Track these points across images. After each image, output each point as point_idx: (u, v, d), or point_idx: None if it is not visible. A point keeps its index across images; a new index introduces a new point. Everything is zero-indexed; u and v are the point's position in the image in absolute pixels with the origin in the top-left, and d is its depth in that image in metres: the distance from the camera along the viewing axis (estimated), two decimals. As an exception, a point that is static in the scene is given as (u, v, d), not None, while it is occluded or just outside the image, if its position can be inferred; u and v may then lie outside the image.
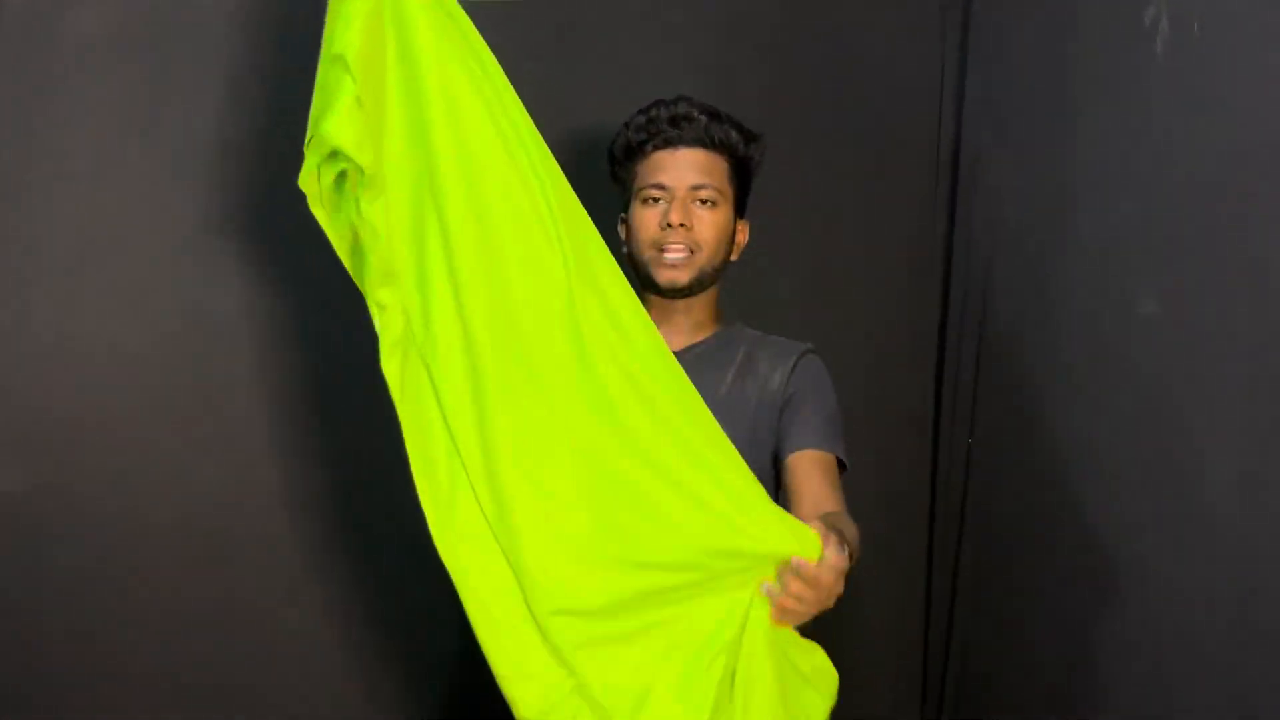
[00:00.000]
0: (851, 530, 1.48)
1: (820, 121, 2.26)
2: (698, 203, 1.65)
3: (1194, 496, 1.66)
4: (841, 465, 1.65)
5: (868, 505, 2.28)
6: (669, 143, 1.65)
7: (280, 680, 1.98)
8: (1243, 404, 1.59)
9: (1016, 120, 2.16)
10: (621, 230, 1.73)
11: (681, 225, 1.62)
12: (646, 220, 1.65)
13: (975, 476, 2.22)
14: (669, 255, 1.64)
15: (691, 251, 1.64)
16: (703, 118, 1.64)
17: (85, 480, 1.87)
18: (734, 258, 1.72)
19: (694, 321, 1.71)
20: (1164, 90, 1.77)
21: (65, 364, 1.86)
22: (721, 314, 1.76)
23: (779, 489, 1.65)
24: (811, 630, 2.23)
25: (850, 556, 1.36)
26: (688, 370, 1.60)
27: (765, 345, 1.70)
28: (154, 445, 1.90)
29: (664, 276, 1.64)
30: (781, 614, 1.31)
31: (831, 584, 1.29)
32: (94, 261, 1.88)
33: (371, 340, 1.99)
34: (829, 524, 1.36)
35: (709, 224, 1.64)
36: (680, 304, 1.69)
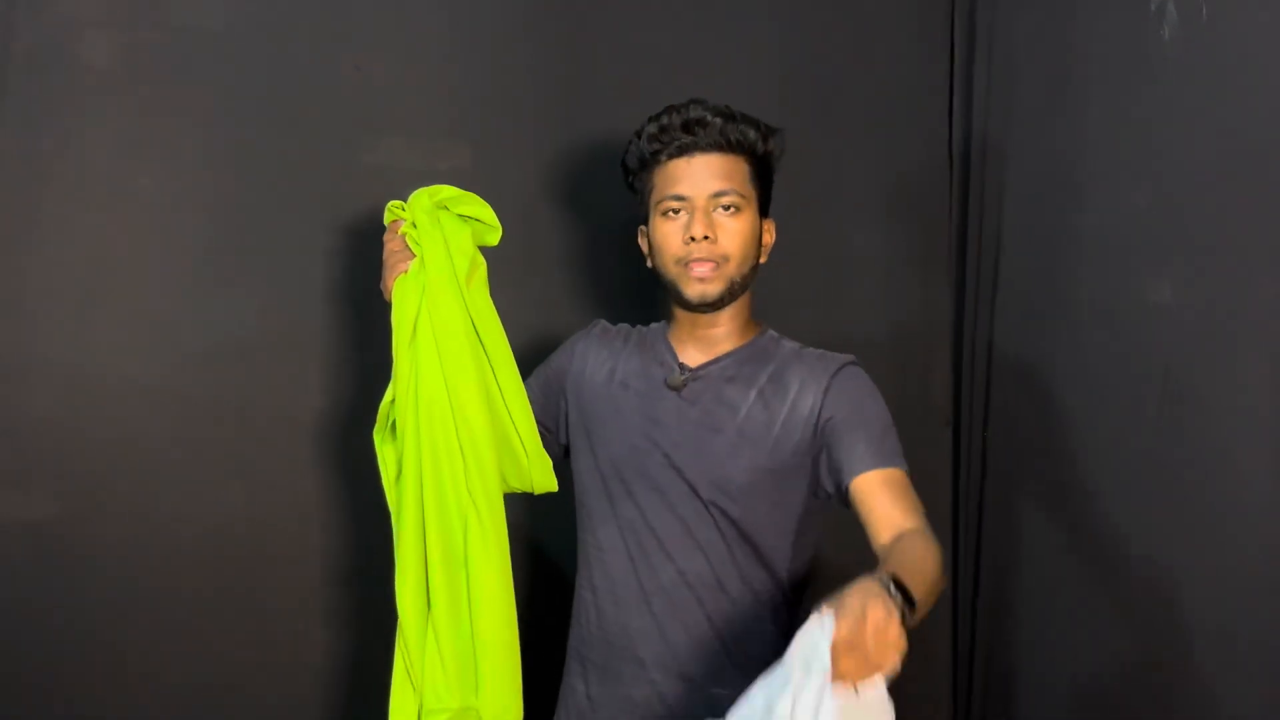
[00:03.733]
0: (920, 560, 1.36)
1: (830, 114, 2.26)
2: (720, 210, 1.55)
3: (1219, 486, 1.64)
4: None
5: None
6: (684, 150, 1.55)
7: (311, 698, 2.00)
8: (1269, 390, 1.57)
9: (1025, 110, 2.15)
10: (642, 243, 1.66)
11: (705, 238, 1.54)
12: (668, 234, 1.57)
13: (993, 467, 2.21)
14: (696, 270, 1.55)
15: (718, 264, 1.55)
16: (717, 120, 1.55)
17: (112, 506, 1.89)
18: (763, 260, 1.63)
19: (724, 333, 1.62)
20: (1172, 77, 1.76)
21: (86, 390, 1.88)
22: (755, 323, 1.66)
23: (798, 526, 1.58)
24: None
25: (915, 589, 1.25)
26: (707, 387, 1.59)
27: (798, 362, 1.59)
28: (178, 469, 1.92)
29: (693, 291, 1.56)
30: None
31: (876, 643, 1.15)
32: (111, 287, 1.89)
33: (389, 360, 2.01)
34: (869, 586, 1.21)
35: (734, 232, 1.55)
36: (707, 318, 1.60)
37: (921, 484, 2.31)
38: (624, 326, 1.77)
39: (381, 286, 1.57)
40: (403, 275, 1.52)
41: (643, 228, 1.65)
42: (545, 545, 2.07)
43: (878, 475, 1.50)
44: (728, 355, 1.62)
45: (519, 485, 1.59)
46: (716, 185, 1.55)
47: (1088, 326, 1.95)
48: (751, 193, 1.59)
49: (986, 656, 2.22)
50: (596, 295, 2.09)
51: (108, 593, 1.89)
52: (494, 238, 1.56)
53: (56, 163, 1.86)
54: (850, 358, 1.61)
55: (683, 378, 1.60)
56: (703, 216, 1.55)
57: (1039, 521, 2.08)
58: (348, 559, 2.01)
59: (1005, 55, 2.22)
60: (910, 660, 2.37)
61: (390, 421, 1.54)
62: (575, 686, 1.67)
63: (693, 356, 1.62)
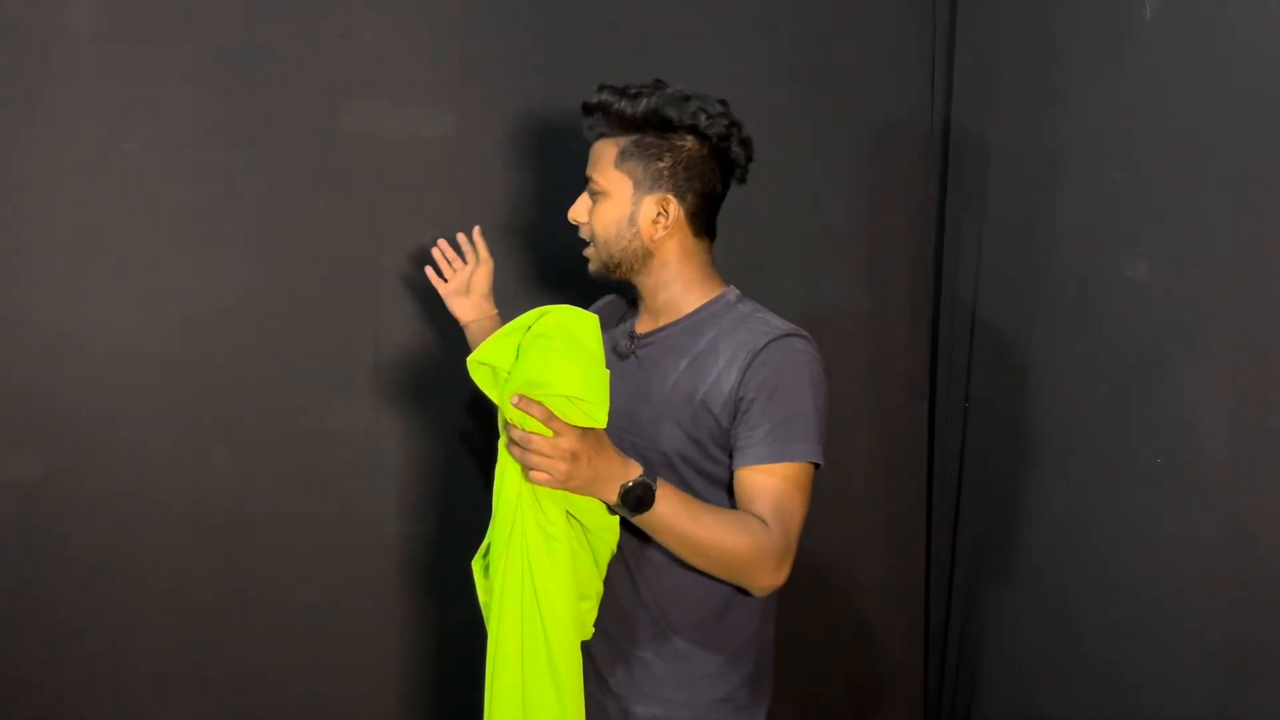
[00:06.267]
0: (723, 520, 1.45)
1: (811, 92, 2.28)
2: (589, 195, 1.62)
3: (1183, 453, 1.70)
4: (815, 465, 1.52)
5: (868, 468, 2.35)
6: (593, 134, 1.62)
7: (292, 664, 2.02)
8: (1232, 366, 1.62)
9: (1006, 90, 2.18)
10: None
11: (577, 224, 1.63)
12: None
13: (971, 439, 2.25)
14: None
15: (588, 244, 1.63)
16: (610, 99, 1.56)
17: (96, 468, 1.90)
18: (657, 236, 1.58)
19: (662, 302, 1.62)
20: (1152, 57, 1.78)
21: (72, 355, 1.89)
22: (711, 288, 1.62)
23: (731, 499, 1.56)
24: (819, 581, 2.29)
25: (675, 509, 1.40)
26: (649, 355, 1.61)
27: (735, 331, 1.55)
28: (163, 432, 1.93)
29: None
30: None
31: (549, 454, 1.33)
32: (96, 254, 1.90)
33: (374, 322, 2.03)
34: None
35: (596, 216, 1.60)
36: (634, 288, 1.65)
37: (898, 455, 2.38)
38: (615, 298, 1.82)
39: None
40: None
41: None
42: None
43: (761, 474, 1.48)
44: (676, 323, 1.61)
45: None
46: (588, 171, 1.61)
47: (1065, 303, 1.98)
48: (619, 176, 1.57)
49: (961, 628, 2.27)
50: (582, 265, 2.10)
51: (92, 553, 1.91)
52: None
53: (42, 127, 1.86)
54: (790, 329, 1.55)
55: (630, 346, 1.64)
56: (581, 202, 1.63)
57: (1014, 492, 2.12)
58: (332, 523, 2.03)
59: (986, 36, 2.24)
60: (884, 633, 2.41)
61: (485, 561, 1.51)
62: None
63: (645, 324, 1.65)
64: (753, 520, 1.46)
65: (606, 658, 1.61)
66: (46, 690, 1.90)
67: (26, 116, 1.85)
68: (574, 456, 1.34)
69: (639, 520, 1.41)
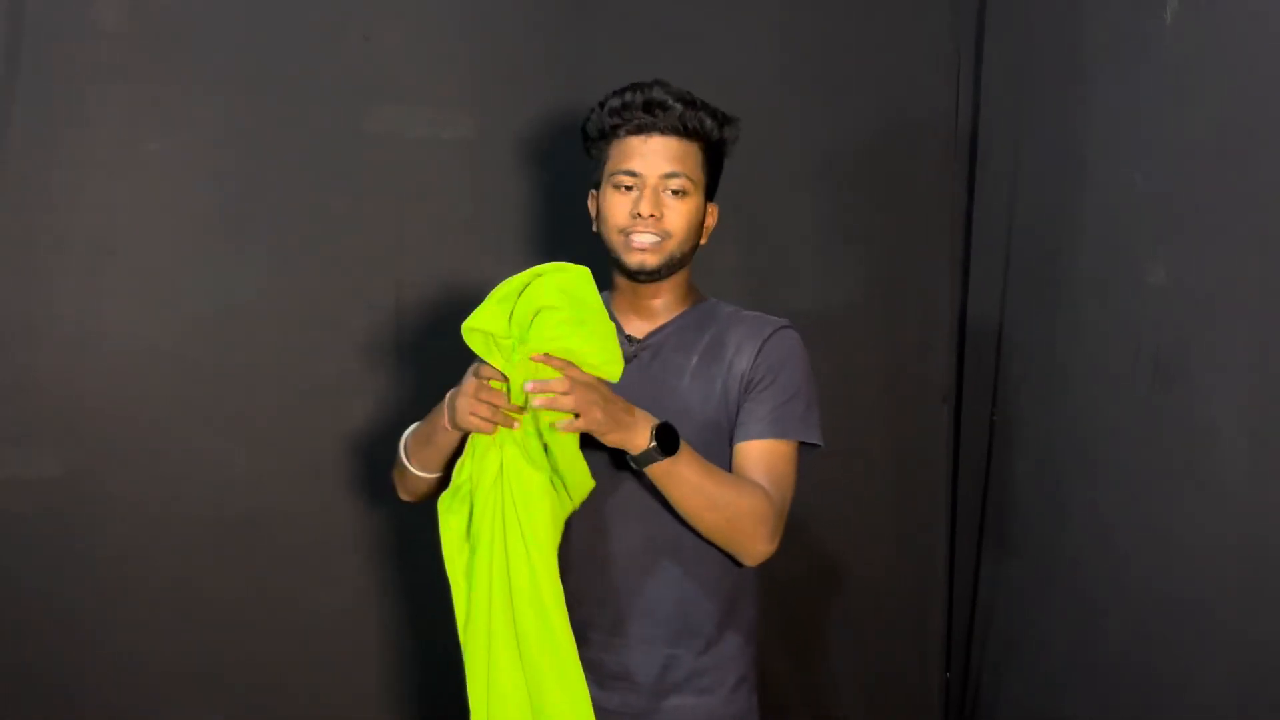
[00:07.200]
0: (726, 480, 1.53)
1: (835, 91, 2.28)
2: (669, 192, 1.62)
3: (1205, 462, 1.68)
4: (812, 445, 1.63)
5: (890, 476, 2.34)
6: (642, 129, 1.62)
7: (310, 663, 2.03)
8: (1253, 370, 1.60)
9: (1031, 91, 2.17)
10: (591, 206, 1.71)
11: (651, 216, 1.61)
12: (616, 206, 1.63)
13: (994, 443, 2.24)
14: (637, 238, 1.62)
15: (661, 239, 1.62)
16: (678, 105, 1.61)
17: (116, 466, 1.92)
18: (703, 241, 1.69)
19: (662, 304, 1.69)
20: (1174, 58, 1.77)
21: (93, 354, 1.90)
22: (694, 294, 1.72)
23: None
24: (838, 582, 2.27)
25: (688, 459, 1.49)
26: (654, 356, 1.65)
27: (736, 324, 1.67)
28: (182, 431, 1.95)
29: (633, 260, 1.63)
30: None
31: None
32: (118, 253, 1.91)
33: (395, 323, 2.03)
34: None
35: (680, 213, 1.62)
36: (648, 289, 1.67)
37: (915, 458, 2.37)
38: None
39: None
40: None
41: (594, 191, 1.71)
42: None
43: (760, 445, 1.59)
44: (670, 324, 1.69)
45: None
46: (668, 167, 1.62)
47: (1087, 306, 1.97)
48: (700, 178, 1.65)
49: (984, 631, 2.26)
50: (600, 262, 2.10)
51: (111, 550, 1.92)
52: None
53: (66, 127, 1.87)
54: (785, 321, 1.68)
55: (632, 349, 1.67)
56: (651, 195, 1.62)
57: (1037, 495, 2.11)
58: (349, 523, 2.04)
59: (1011, 37, 2.23)
60: (903, 635, 2.40)
61: (459, 492, 1.54)
62: None
63: (637, 327, 1.69)
64: (755, 484, 1.55)
65: (635, 656, 1.62)
66: (64, 686, 1.91)
67: (51, 116, 1.87)
68: (607, 400, 1.44)
69: (662, 466, 1.48)
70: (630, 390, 1.56)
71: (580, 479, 1.52)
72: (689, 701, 1.62)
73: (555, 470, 1.50)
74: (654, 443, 1.46)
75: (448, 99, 2.06)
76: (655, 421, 1.48)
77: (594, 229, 1.69)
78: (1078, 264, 2.01)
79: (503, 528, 1.47)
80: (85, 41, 1.87)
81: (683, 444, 1.49)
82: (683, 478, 1.50)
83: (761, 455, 1.59)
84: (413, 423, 1.66)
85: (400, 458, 1.63)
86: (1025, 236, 2.18)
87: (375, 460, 2.03)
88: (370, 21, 2.01)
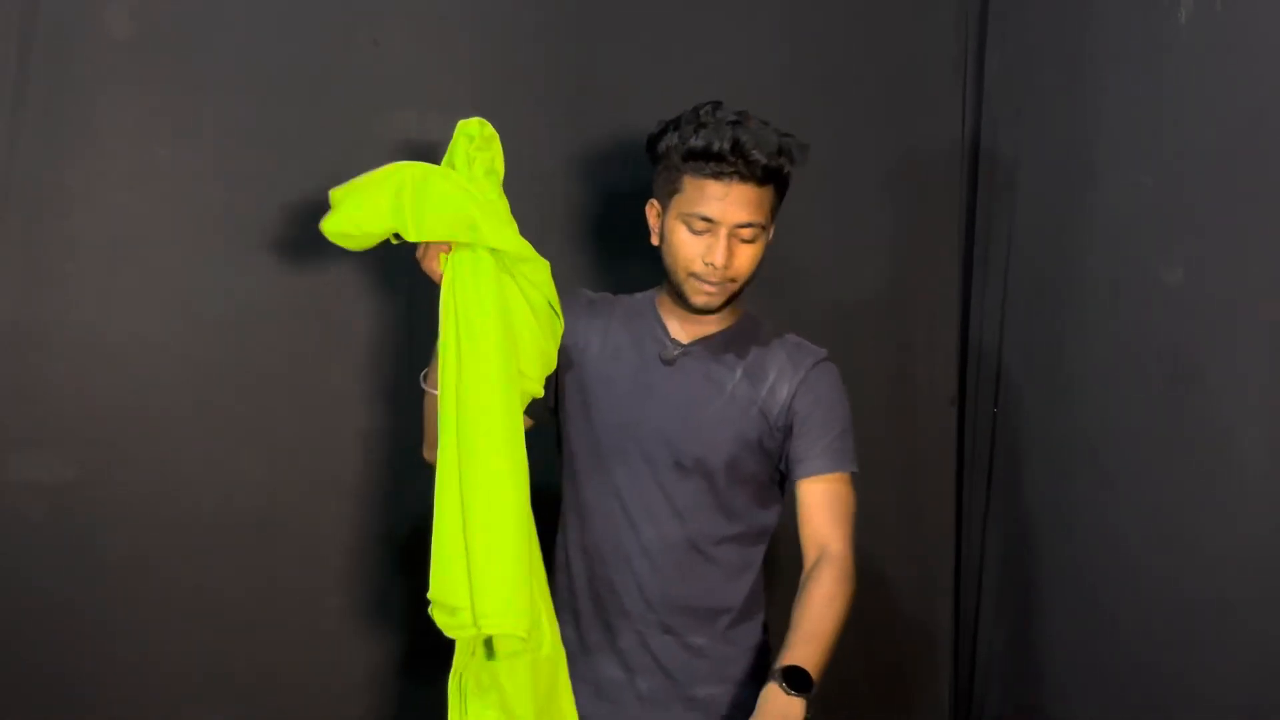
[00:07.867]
0: (819, 619, 1.58)
1: (842, 93, 2.28)
2: (739, 240, 1.62)
3: (1220, 466, 1.68)
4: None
5: (898, 477, 2.34)
6: (722, 175, 1.59)
7: (320, 666, 2.03)
8: (1268, 371, 1.60)
9: (1038, 93, 2.17)
10: (652, 218, 1.70)
11: (724, 265, 1.62)
12: (686, 245, 1.63)
13: (1001, 445, 2.24)
14: (705, 285, 1.63)
15: (726, 284, 1.64)
16: (762, 158, 1.58)
17: (130, 471, 1.92)
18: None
19: (712, 317, 1.72)
20: (1187, 60, 1.77)
21: (105, 358, 1.91)
22: (740, 307, 1.75)
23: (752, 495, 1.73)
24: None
25: (814, 666, 1.53)
26: (697, 363, 1.69)
27: (777, 350, 1.72)
28: (196, 435, 1.95)
29: (698, 301, 1.65)
30: None
31: None
32: (130, 258, 1.92)
33: (406, 328, 2.04)
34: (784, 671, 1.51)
35: (748, 257, 1.63)
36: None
37: (924, 461, 2.37)
38: (607, 296, 1.83)
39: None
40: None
41: (654, 203, 1.69)
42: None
43: (824, 483, 1.67)
44: (716, 334, 1.72)
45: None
46: (745, 216, 1.61)
47: (1099, 307, 1.97)
48: (770, 217, 1.66)
49: (990, 636, 2.25)
50: (611, 268, 2.11)
51: (123, 554, 1.92)
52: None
53: (77, 132, 1.88)
54: (824, 353, 1.73)
55: (675, 353, 1.70)
56: (724, 244, 1.61)
57: (1046, 497, 2.11)
58: (363, 525, 2.04)
59: (1018, 38, 2.23)
60: (912, 639, 2.41)
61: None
62: (568, 636, 1.74)
63: (680, 331, 1.72)
64: (824, 578, 1.60)
65: (666, 645, 1.70)
66: (76, 688, 1.92)
67: (62, 122, 1.87)
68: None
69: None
70: (668, 392, 1.65)
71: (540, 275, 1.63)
72: (717, 691, 1.69)
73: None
74: (805, 694, 1.50)
75: (457, 103, 2.06)
76: (793, 697, 1.50)
77: (653, 241, 1.70)
78: (1087, 266, 2.00)
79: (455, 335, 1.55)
80: (96, 49, 1.87)
81: (807, 667, 1.52)
82: (826, 661, 1.56)
83: (827, 494, 1.66)
84: (420, 429, 1.68)
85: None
86: (1032, 239, 2.18)
87: (386, 463, 2.03)
88: (381, 27, 2.01)
